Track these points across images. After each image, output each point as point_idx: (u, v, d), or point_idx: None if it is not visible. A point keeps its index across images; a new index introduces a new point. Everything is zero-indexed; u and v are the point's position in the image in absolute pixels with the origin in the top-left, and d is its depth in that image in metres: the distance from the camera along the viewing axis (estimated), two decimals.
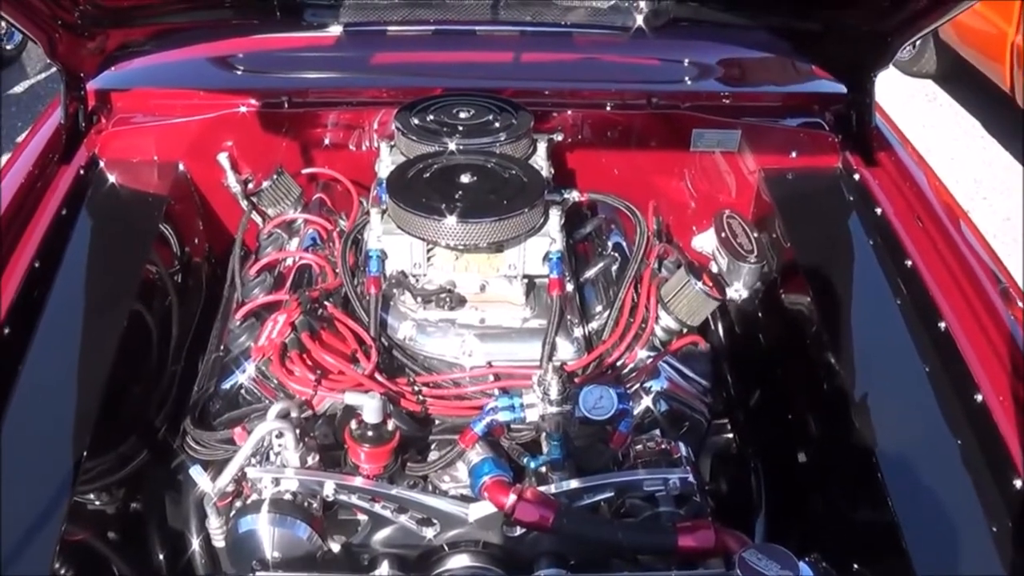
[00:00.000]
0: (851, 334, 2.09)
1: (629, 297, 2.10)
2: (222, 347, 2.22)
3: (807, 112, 2.61)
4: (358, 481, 1.80)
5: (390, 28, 2.49)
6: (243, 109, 2.53)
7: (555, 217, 2.09)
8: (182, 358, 2.34)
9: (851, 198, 2.41)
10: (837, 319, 2.12)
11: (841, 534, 1.87)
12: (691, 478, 1.85)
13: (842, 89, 2.52)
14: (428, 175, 2.11)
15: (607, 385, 1.86)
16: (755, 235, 2.50)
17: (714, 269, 2.51)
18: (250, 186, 2.56)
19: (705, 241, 2.63)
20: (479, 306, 2.06)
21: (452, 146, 2.23)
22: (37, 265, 2.05)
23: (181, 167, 2.54)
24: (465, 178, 2.07)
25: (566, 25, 2.49)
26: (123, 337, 2.03)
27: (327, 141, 2.60)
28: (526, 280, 2.08)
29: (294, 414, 1.85)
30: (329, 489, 1.79)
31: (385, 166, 2.32)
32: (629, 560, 1.81)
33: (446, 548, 1.84)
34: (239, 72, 2.63)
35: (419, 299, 2.04)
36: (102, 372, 1.93)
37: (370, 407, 1.79)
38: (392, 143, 2.39)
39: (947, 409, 1.84)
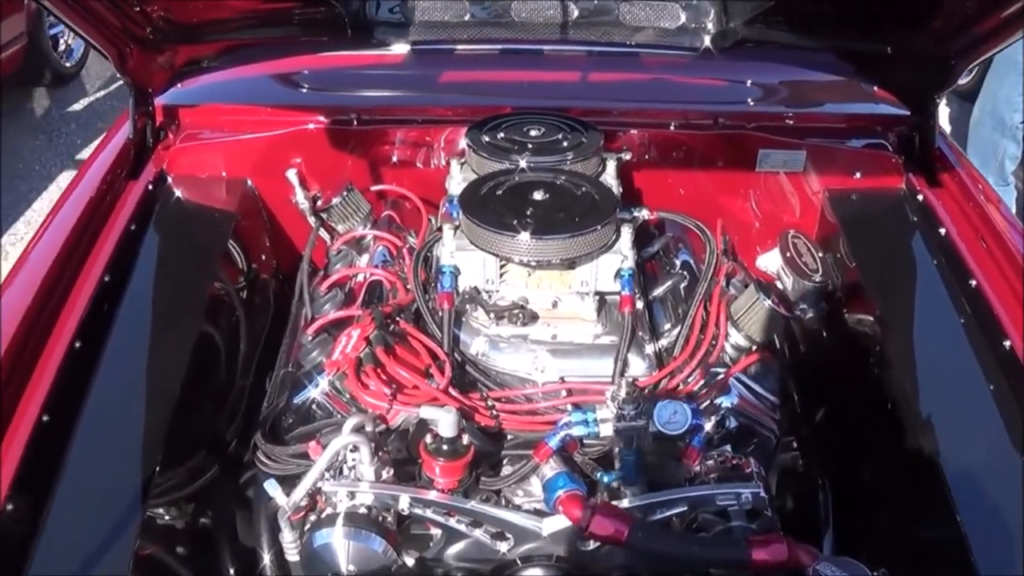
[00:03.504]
0: (915, 352, 2.09)
1: (699, 314, 2.11)
2: (292, 363, 2.25)
3: (871, 133, 2.61)
4: (433, 495, 1.82)
5: (458, 47, 2.52)
6: (312, 126, 2.57)
7: (626, 234, 2.10)
8: (251, 373, 2.37)
9: (914, 219, 2.41)
10: (901, 337, 2.13)
11: (908, 551, 1.87)
12: (763, 493, 1.85)
13: (905, 111, 2.52)
14: (501, 192, 2.13)
15: (681, 401, 1.87)
16: (820, 255, 2.51)
17: (779, 288, 2.52)
18: (319, 203, 2.61)
19: (769, 260, 2.64)
20: (551, 322, 2.07)
21: (522, 163, 2.25)
22: (107, 279, 2.07)
23: (249, 183, 2.58)
24: (538, 195, 2.09)
25: (633, 45, 2.51)
26: (193, 352, 2.06)
27: (395, 158, 2.64)
28: (597, 297, 2.09)
29: (368, 428, 1.87)
30: (404, 503, 1.80)
31: (456, 183, 2.35)
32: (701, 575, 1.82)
33: (519, 562, 1.85)
34: (307, 89, 2.66)
35: (492, 315, 2.06)
36: (172, 387, 1.95)
37: (446, 421, 1.81)
38: (462, 160, 2.42)
39: (1013, 429, 1.83)
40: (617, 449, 1.91)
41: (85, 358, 1.90)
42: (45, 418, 1.74)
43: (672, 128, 2.56)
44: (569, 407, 1.95)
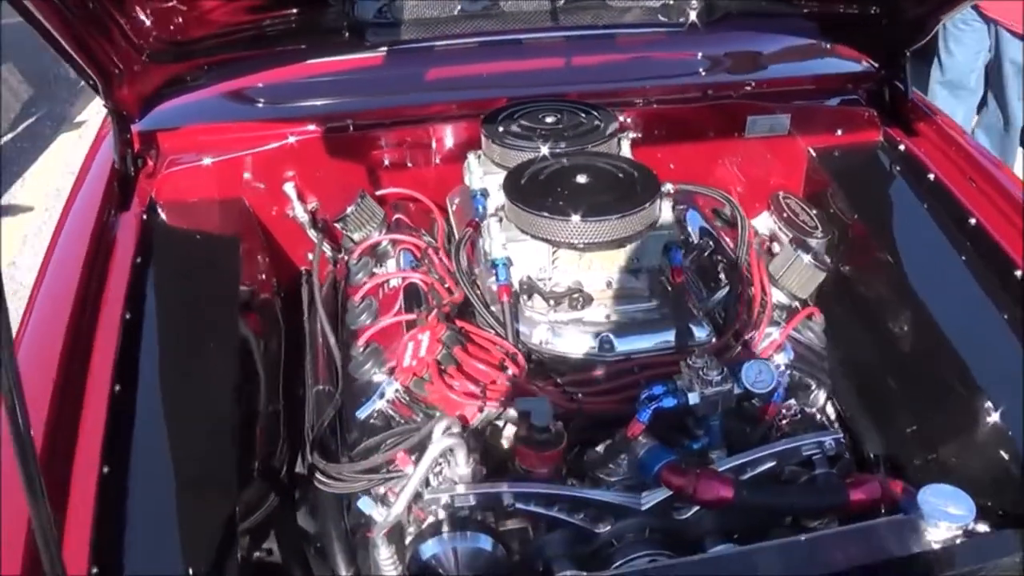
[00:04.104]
0: (931, 292, 2.19)
1: (744, 277, 2.18)
2: (322, 379, 2.22)
3: (848, 92, 2.73)
4: (536, 486, 1.83)
5: (450, 43, 2.51)
6: (305, 136, 2.51)
7: (667, 208, 2.15)
8: (280, 397, 2.31)
9: (899, 167, 2.54)
10: (915, 280, 2.23)
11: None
12: (843, 439, 1.94)
13: (878, 68, 2.66)
14: (543, 179, 2.14)
15: (761, 359, 1.93)
16: (814, 212, 2.61)
17: (776, 249, 2.61)
18: (317, 214, 2.56)
19: (761, 223, 2.72)
20: (606, 302, 2.10)
21: (544, 150, 2.27)
22: (128, 317, 1.99)
23: (244, 202, 2.50)
24: (581, 179, 2.11)
25: (622, 26, 2.55)
26: (232, 384, 2.00)
27: (394, 160, 2.60)
28: (647, 272, 2.14)
29: (455, 429, 1.86)
30: (508, 498, 1.80)
31: (478, 177, 2.35)
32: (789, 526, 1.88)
33: (615, 543, 1.88)
34: (297, 99, 2.60)
35: (551, 302, 2.07)
36: (221, 422, 1.89)
37: (540, 411, 1.82)
38: (478, 153, 2.41)
39: None
40: (696, 417, 1.96)
41: (127, 403, 1.82)
42: (105, 469, 1.66)
43: (665, 103, 2.62)
44: (641, 382, 2.00)
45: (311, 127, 2.50)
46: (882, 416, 2.17)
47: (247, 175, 2.50)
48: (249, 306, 2.34)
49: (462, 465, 1.82)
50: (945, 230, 2.31)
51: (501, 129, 2.36)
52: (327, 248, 2.57)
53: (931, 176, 2.44)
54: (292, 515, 2.09)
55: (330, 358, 2.27)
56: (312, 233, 2.57)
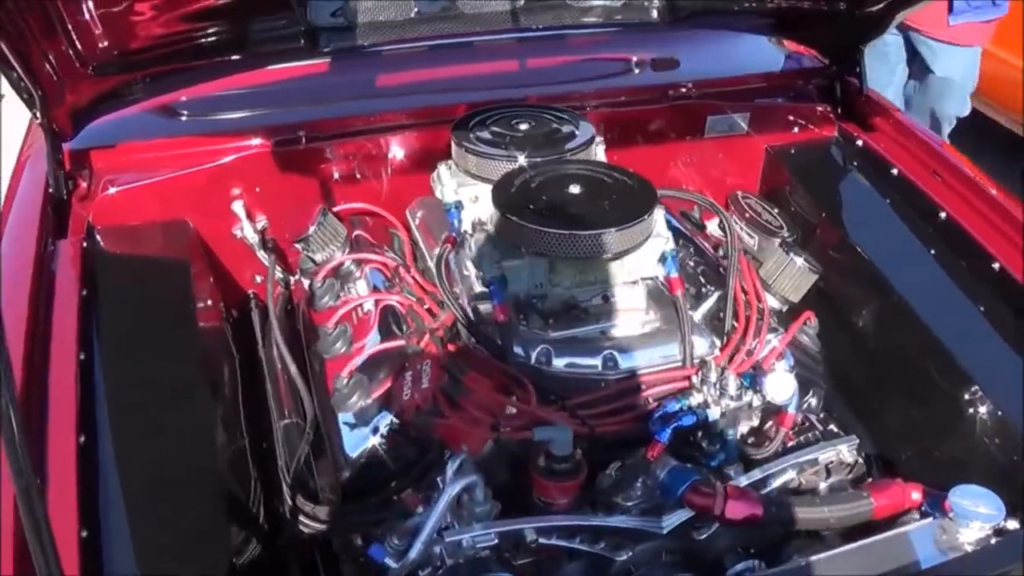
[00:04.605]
0: (907, 287, 2.17)
1: (738, 284, 2.12)
2: (289, 412, 2.09)
3: (799, 88, 2.72)
4: (558, 519, 1.73)
5: (407, 46, 2.36)
6: (251, 152, 2.32)
7: (660, 216, 2.07)
8: (245, 433, 2.13)
9: (857, 163, 2.55)
10: (889, 276, 2.21)
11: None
12: (857, 443, 1.91)
13: (833, 64, 2.66)
14: (533, 189, 2.03)
15: (783, 369, 1.88)
16: (775, 211, 2.58)
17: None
18: (266, 234, 2.39)
19: (715, 223, 2.68)
20: (605, 317, 2.01)
21: (521, 160, 2.16)
22: (83, 358, 1.81)
23: (189, 224, 2.31)
24: (574, 189, 2.01)
25: (584, 26, 2.46)
26: (201, 426, 1.85)
27: (351, 173, 2.43)
28: (643, 283, 2.05)
29: (469, 465, 1.74)
30: (532, 534, 1.70)
31: (450, 189, 2.21)
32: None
33: (633, 569, 1.80)
34: (244, 110, 2.38)
35: (550, 320, 1.97)
36: (198, 468, 1.76)
37: (561, 440, 1.72)
38: (449, 163, 2.28)
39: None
40: (711, 432, 1.90)
41: (94, 453, 1.66)
42: (84, 534, 1.50)
43: (626, 105, 2.54)
44: (649, 399, 1.92)
45: (260, 140, 2.32)
46: (870, 415, 2.16)
47: (192, 195, 2.30)
48: (204, 337, 2.15)
49: (480, 503, 1.71)
50: (916, 225, 2.32)
51: (474, 137, 2.23)
52: (279, 270, 2.40)
53: (894, 171, 2.44)
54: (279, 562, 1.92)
55: (294, 388, 2.12)
56: (262, 254, 2.38)
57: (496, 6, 2.38)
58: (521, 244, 1.95)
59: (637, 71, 2.64)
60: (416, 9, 2.34)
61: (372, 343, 2.04)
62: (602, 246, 1.93)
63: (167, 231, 2.26)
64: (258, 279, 2.46)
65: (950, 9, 3.95)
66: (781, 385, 1.85)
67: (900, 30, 4.21)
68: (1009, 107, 5.03)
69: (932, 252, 2.24)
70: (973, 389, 1.90)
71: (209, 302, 2.26)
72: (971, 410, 1.91)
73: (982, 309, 2.07)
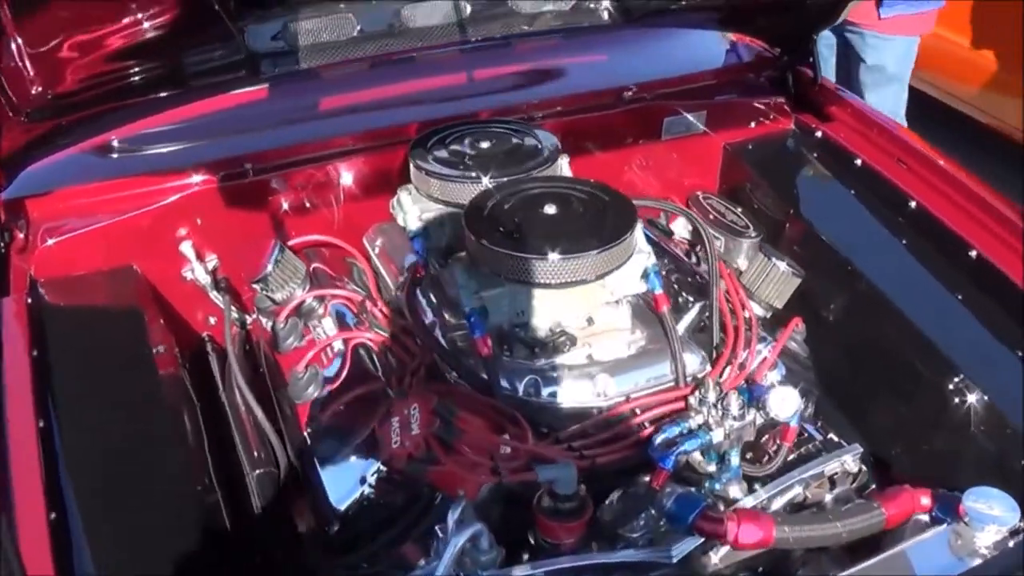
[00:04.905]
0: (884, 279, 2.14)
1: (722, 296, 2.06)
2: (265, 460, 1.97)
3: (753, 82, 2.67)
4: (566, 561, 1.64)
5: (353, 68, 2.24)
6: (196, 189, 2.18)
7: (640, 232, 1.99)
8: (216, 485, 2.01)
9: (818, 154, 2.51)
10: (864, 269, 2.17)
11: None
12: (861, 452, 1.87)
13: (786, 55, 2.61)
14: (507, 213, 1.93)
15: (785, 384, 1.82)
16: (738, 210, 2.53)
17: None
18: (217, 274, 2.25)
19: (679, 226, 2.62)
20: (590, 341, 1.93)
21: (486, 181, 2.06)
22: (42, 425, 1.69)
23: (136, 269, 2.16)
24: (549, 209, 1.92)
25: (534, 34, 2.37)
26: (177, 489, 1.76)
27: (303, 203, 2.29)
28: (627, 302, 1.98)
29: (470, 512, 1.64)
30: None
31: (413, 216, 2.10)
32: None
33: None
34: (186, 145, 2.24)
35: (535, 348, 1.87)
36: (182, 533, 1.66)
37: (565, 478, 1.63)
38: (408, 188, 2.16)
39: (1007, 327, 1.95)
40: (713, 453, 1.83)
41: (65, 531, 1.55)
42: None
43: (581, 112, 2.46)
44: (646, 423, 1.84)
45: (205, 176, 2.17)
46: (862, 416, 2.12)
47: (137, 239, 2.16)
48: (165, 389, 2.03)
49: (486, 551, 1.61)
50: (886, 215, 2.28)
51: (433, 158, 2.12)
52: (234, 311, 2.26)
53: (857, 162, 2.41)
54: None
55: (263, 436, 2.01)
56: (215, 296, 2.24)
57: (442, 18, 2.27)
58: (501, 272, 1.85)
59: (589, 75, 2.56)
60: (359, 27, 2.22)
61: (348, 386, 1.94)
62: (586, 269, 1.84)
63: (113, 279, 2.13)
64: (212, 320, 2.32)
65: (879, 2, 3.81)
66: (785, 401, 1.78)
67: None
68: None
69: (905, 243, 2.21)
70: (961, 381, 1.87)
71: (163, 349, 2.13)
72: (961, 402, 1.88)
73: (961, 298, 2.04)
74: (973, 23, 5.04)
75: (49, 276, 2.05)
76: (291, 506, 1.97)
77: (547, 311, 1.91)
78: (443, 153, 2.15)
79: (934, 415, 1.94)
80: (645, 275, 1.96)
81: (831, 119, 2.56)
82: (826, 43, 4.20)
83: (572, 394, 1.87)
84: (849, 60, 4.17)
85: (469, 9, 2.30)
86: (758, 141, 2.61)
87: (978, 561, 1.59)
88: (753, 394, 1.83)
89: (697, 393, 1.82)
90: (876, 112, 2.57)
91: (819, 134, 2.53)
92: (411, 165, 2.13)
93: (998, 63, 4.97)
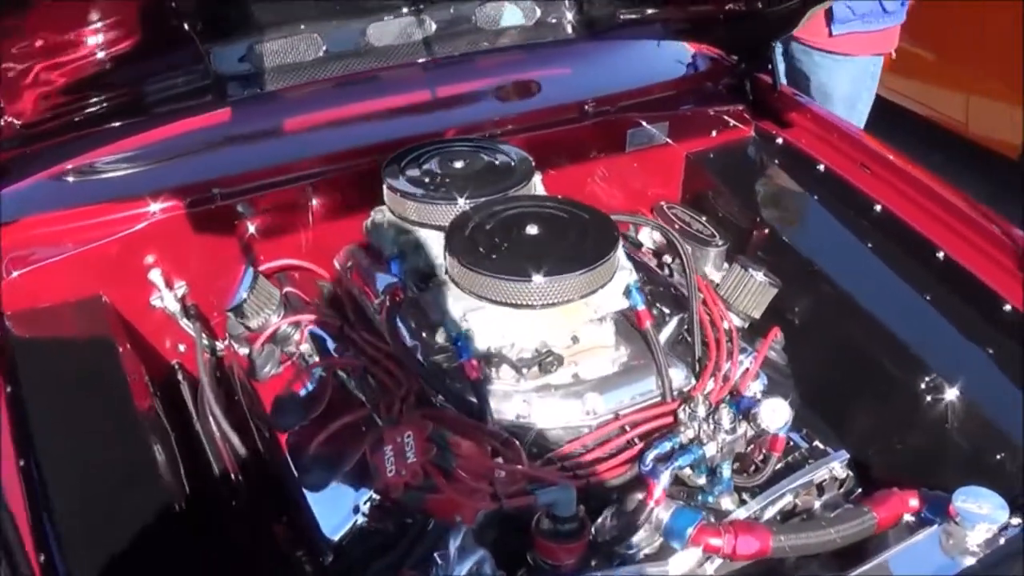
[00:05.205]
0: (853, 284, 2.17)
1: (701, 309, 2.07)
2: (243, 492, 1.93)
3: (709, 90, 2.69)
4: None
5: (318, 88, 2.20)
6: (163, 216, 2.13)
7: (620, 249, 1.99)
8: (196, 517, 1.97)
9: (779, 161, 2.54)
10: (833, 275, 2.20)
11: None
12: (848, 458, 1.89)
13: (744, 63, 2.65)
14: (488, 234, 1.91)
15: (775, 396, 1.84)
16: (703, 219, 2.54)
17: (669, 260, 2.52)
18: (186, 301, 2.20)
19: (645, 236, 2.63)
20: (575, 360, 1.92)
21: (462, 202, 2.04)
22: (23, 464, 1.66)
23: (104, 299, 2.10)
24: (531, 229, 1.91)
25: (499, 50, 2.35)
26: (163, 528, 1.69)
27: (273, 227, 2.25)
28: (611, 319, 1.97)
29: (471, 539, 1.63)
30: None
31: (388, 239, 2.07)
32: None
33: None
34: (151, 171, 2.18)
35: (524, 370, 1.86)
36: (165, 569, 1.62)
37: (565, 500, 1.63)
38: (382, 210, 2.13)
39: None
40: (705, 466, 1.84)
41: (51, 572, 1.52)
42: None
43: (546, 128, 2.45)
44: (635, 440, 1.85)
45: (172, 202, 2.12)
46: (841, 420, 2.15)
47: (103, 268, 2.10)
48: (141, 421, 1.98)
49: None
50: (851, 220, 2.32)
51: (406, 179, 2.09)
52: (205, 338, 2.21)
53: (820, 167, 2.44)
54: None
55: (244, 466, 1.97)
56: (185, 323, 2.18)
57: (407, 37, 2.25)
58: (486, 295, 1.84)
59: (553, 90, 2.55)
60: (325, 47, 2.18)
61: (330, 413, 1.90)
62: (572, 290, 1.84)
63: (82, 310, 2.07)
64: (182, 348, 2.26)
65: (830, 18, 3.51)
66: (776, 412, 1.80)
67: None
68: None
69: (871, 246, 2.24)
70: (934, 379, 1.91)
71: (137, 381, 2.08)
72: (936, 400, 1.92)
73: (930, 299, 2.08)
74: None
75: (16, 309, 1.99)
76: (275, 536, 1.94)
77: (533, 332, 1.89)
78: (416, 173, 2.13)
79: (911, 415, 1.97)
80: (627, 291, 1.96)
81: (791, 125, 2.59)
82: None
83: (562, 414, 1.86)
84: (796, 82, 3.78)
85: (434, 27, 2.28)
86: (719, 149, 2.64)
87: (970, 559, 1.62)
88: (740, 406, 1.84)
89: (687, 408, 1.83)
90: (836, 117, 2.61)
91: (780, 140, 2.57)
92: (385, 187, 2.10)
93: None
